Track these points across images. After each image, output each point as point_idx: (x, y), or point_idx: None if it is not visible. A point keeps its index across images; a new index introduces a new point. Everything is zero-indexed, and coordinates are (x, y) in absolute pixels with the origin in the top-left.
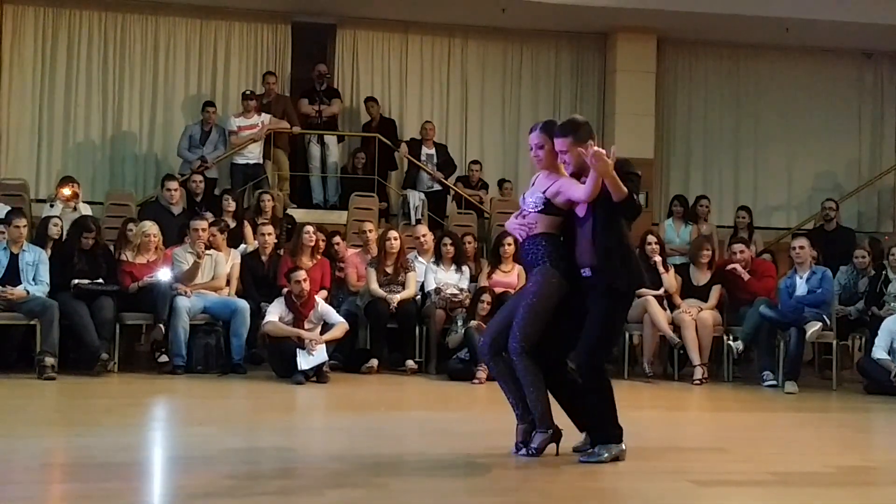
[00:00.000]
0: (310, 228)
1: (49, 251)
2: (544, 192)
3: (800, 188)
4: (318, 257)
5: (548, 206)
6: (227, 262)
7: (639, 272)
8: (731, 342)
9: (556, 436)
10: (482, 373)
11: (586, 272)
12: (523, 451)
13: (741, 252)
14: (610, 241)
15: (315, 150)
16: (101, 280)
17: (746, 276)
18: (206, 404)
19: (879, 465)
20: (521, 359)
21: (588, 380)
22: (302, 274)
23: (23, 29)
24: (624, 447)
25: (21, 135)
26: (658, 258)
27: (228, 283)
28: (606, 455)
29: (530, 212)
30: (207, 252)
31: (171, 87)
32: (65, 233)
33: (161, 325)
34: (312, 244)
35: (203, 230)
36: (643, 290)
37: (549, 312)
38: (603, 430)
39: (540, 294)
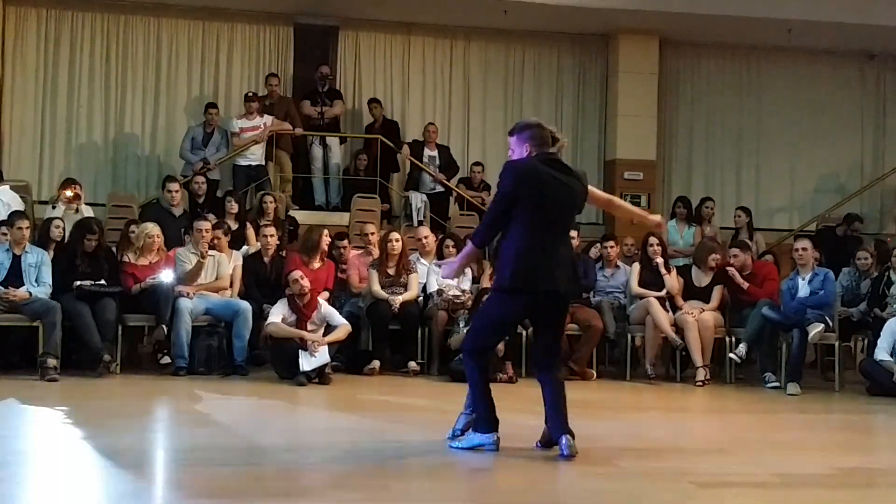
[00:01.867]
0: (327, 232)
1: (51, 253)
2: None
3: (802, 189)
4: (325, 259)
5: None
6: (230, 263)
7: (529, 276)
8: (732, 354)
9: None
10: None
11: None
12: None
13: (735, 257)
14: (504, 246)
15: (317, 151)
16: (103, 281)
17: (745, 285)
18: (208, 405)
19: (882, 467)
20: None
21: (466, 362)
22: (298, 273)
23: (25, 30)
24: (496, 437)
25: (24, 136)
26: (660, 260)
27: (232, 283)
28: (469, 441)
29: None
30: (210, 253)
31: (174, 88)
32: (67, 234)
33: (163, 327)
34: (326, 247)
35: (206, 231)
36: (645, 292)
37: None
38: (476, 417)
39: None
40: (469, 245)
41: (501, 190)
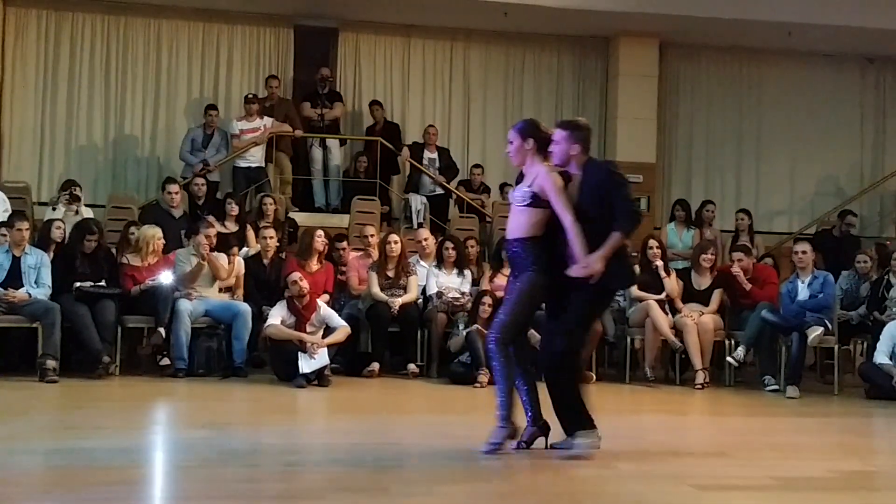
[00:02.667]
0: (321, 232)
1: (52, 254)
2: (529, 187)
3: (802, 192)
4: (323, 261)
5: (535, 200)
6: (234, 267)
7: (630, 273)
8: (730, 358)
9: (545, 430)
10: (483, 376)
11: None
12: (487, 447)
13: (739, 261)
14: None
15: (317, 153)
16: (103, 283)
17: (748, 286)
18: (207, 407)
19: (881, 470)
20: (500, 355)
21: (560, 364)
22: (297, 274)
23: (25, 31)
24: (599, 435)
25: (23, 138)
26: (660, 262)
27: (236, 287)
28: (581, 442)
29: (518, 206)
30: (212, 255)
31: (174, 90)
32: (67, 235)
33: (163, 329)
34: (322, 249)
35: (213, 237)
36: (645, 294)
37: (530, 310)
38: (575, 419)
39: (523, 292)
40: (617, 236)
41: (628, 185)
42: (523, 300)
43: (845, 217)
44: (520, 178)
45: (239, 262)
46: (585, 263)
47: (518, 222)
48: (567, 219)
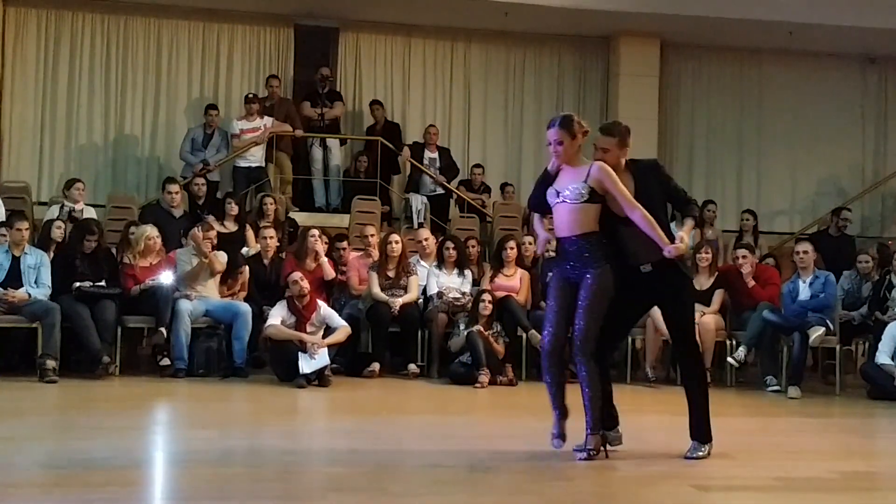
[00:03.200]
0: (315, 232)
1: (51, 254)
2: (585, 181)
3: (803, 192)
4: (318, 260)
5: (592, 196)
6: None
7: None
8: (730, 358)
9: (604, 439)
10: (484, 377)
11: (647, 268)
12: (582, 454)
13: (743, 257)
14: (668, 235)
15: (317, 153)
16: (103, 283)
17: (751, 283)
18: (207, 407)
19: (883, 471)
20: (586, 362)
21: (694, 371)
22: (298, 274)
23: (25, 31)
24: (710, 452)
25: (23, 137)
26: None
27: (240, 290)
28: (702, 452)
29: (576, 203)
30: (215, 253)
31: (174, 89)
32: (67, 235)
33: (163, 329)
34: (317, 248)
35: (213, 236)
36: None
37: (605, 311)
38: (704, 429)
39: (596, 292)
40: (691, 221)
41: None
42: (597, 300)
43: (840, 213)
44: (545, 177)
45: (244, 271)
46: (679, 238)
47: (574, 219)
48: (636, 212)
